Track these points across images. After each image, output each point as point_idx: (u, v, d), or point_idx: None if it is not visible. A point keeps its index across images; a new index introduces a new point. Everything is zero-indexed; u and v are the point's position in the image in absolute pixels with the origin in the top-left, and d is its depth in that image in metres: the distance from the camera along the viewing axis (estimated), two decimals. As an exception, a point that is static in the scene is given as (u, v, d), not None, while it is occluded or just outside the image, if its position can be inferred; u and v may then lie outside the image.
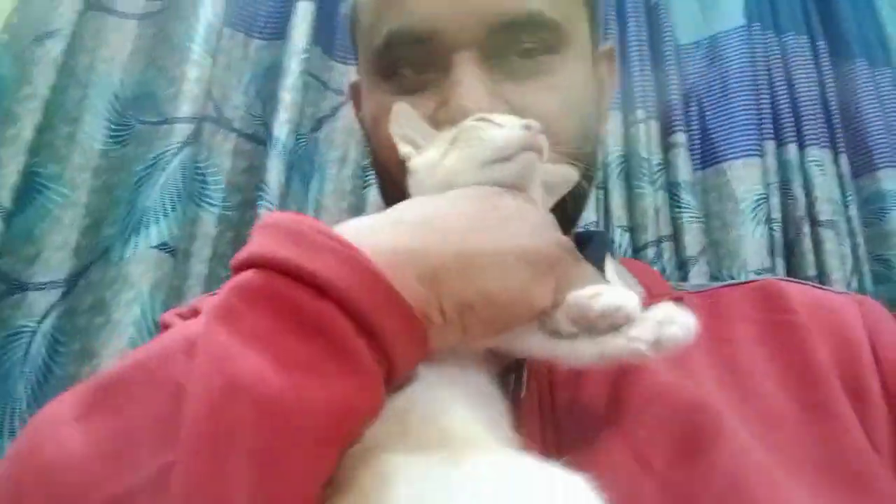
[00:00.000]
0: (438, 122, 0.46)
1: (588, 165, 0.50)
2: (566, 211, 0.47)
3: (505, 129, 0.39)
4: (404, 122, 0.44)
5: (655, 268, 0.91)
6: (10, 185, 0.74)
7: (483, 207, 0.37)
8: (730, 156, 1.06)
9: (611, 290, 0.34)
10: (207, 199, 0.88)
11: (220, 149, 0.91)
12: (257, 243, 0.31)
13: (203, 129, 0.86)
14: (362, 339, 0.29)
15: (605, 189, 1.02)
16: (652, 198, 1.00)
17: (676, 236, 1.01)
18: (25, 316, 0.77)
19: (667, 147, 1.06)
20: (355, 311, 0.29)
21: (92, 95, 0.86)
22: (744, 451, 0.38)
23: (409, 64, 0.49)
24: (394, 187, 0.47)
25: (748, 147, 1.06)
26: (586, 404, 0.42)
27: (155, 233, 0.78)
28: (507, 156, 0.38)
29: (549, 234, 0.38)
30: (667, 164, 1.05)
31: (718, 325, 0.48)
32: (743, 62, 1.10)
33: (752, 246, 1.00)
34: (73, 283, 0.80)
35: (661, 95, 1.09)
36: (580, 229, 0.60)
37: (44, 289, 0.78)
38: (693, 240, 1.00)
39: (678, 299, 0.47)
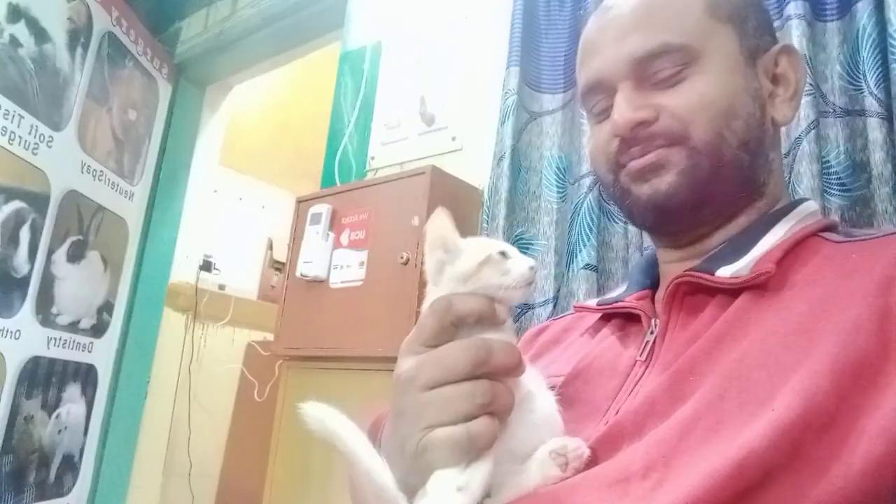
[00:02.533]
0: (610, 148, 0.67)
1: (728, 149, 0.63)
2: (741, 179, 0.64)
3: (519, 265, 0.53)
4: (438, 233, 0.55)
5: None
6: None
7: (402, 405, 0.52)
8: None
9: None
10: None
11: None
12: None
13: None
14: None
15: None
16: None
17: None
18: (538, 323, 1.23)
19: None
20: None
21: (547, 173, 1.30)
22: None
23: (594, 102, 0.71)
24: (602, 186, 0.72)
25: None
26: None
27: (584, 256, 1.14)
28: (518, 286, 0.53)
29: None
30: None
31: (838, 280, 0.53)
32: None
33: None
34: (556, 299, 1.22)
35: None
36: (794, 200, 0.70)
37: (543, 306, 1.24)
38: None
39: None
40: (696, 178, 0.63)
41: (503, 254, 0.54)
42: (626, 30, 0.66)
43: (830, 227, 0.64)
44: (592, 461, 0.53)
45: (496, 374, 0.50)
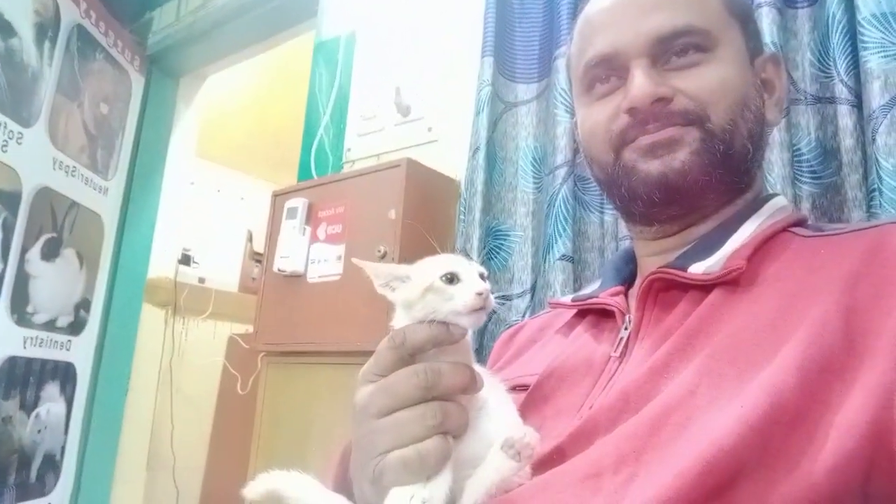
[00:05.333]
0: (614, 125, 0.67)
1: (740, 138, 0.64)
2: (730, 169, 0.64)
3: (464, 291, 0.52)
4: (375, 270, 0.56)
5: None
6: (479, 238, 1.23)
7: (359, 434, 0.53)
8: None
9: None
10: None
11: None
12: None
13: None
14: None
15: None
16: None
17: None
18: (516, 315, 1.23)
19: None
20: None
21: (523, 163, 1.29)
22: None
23: (599, 80, 0.70)
24: (596, 168, 0.72)
25: None
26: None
27: (560, 247, 1.14)
28: (463, 313, 0.51)
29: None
30: None
31: (806, 276, 0.54)
32: None
33: None
34: (533, 290, 1.23)
35: None
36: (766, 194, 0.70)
37: (521, 297, 1.24)
38: None
39: None
40: (707, 161, 0.63)
41: (452, 278, 0.52)
42: (649, 7, 0.66)
43: (800, 222, 0.64)
44: (564, 456, 0.53)
45: (448, 394, 0.51)
